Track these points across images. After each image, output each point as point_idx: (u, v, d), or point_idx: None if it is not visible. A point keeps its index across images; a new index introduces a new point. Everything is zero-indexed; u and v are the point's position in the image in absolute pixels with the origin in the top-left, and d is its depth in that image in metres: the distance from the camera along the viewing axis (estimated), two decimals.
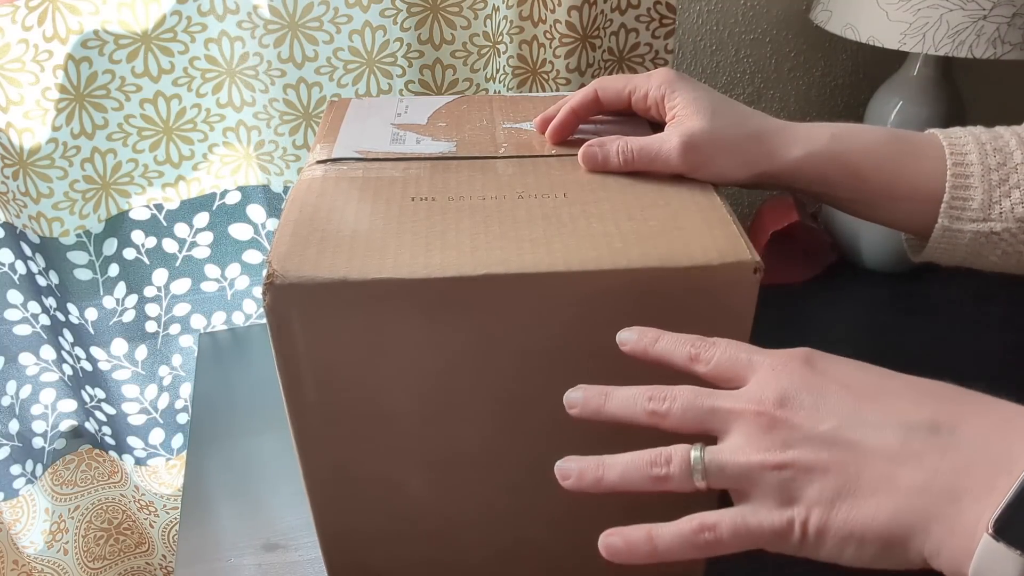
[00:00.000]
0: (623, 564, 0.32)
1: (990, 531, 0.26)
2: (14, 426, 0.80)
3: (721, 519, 0.31)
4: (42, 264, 0.73)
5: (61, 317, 0.76)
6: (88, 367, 0.78)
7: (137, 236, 0.76)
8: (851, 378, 0.31)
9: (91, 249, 0.73)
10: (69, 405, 0.84)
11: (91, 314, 0.75)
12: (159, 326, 0.81)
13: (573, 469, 0.33)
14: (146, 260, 0.78)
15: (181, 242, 0.79)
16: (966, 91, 0.81)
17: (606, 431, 0.34)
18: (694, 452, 0.31)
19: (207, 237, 0.80)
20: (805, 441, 0.30)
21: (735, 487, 0.31)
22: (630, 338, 0.35)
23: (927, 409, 0.29)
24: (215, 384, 0.74)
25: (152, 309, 0.80)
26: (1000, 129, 0.43)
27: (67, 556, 0.90)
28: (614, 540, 0.32)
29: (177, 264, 0.80)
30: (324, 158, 0.44)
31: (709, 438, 0.32)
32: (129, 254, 0.76)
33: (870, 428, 0.29)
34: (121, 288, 0.76)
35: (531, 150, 0.46)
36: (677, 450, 0.31)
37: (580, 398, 0.34)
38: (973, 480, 0.27)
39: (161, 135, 0.73)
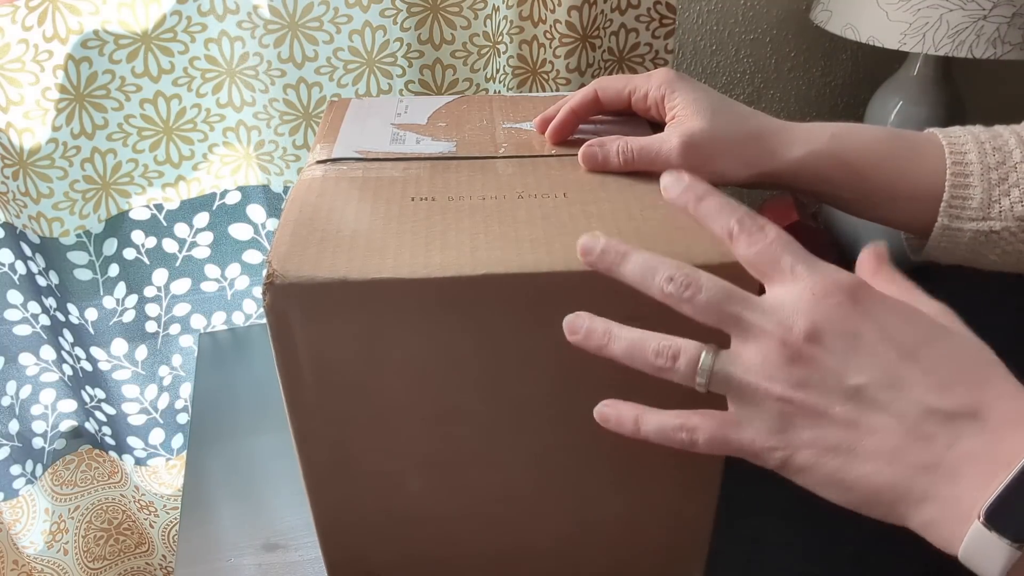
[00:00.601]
0: (613, 433, 0.33)
1: (981, 519, 0.26)
2: (14, 426, 0.80)
3: (702, 425, 0.31)
4: (42, 264, 0.73)
5: (61, 317, 0.76)
6: (88, 367, 0.78)
7: (137, 236, 0.76)
8: (893, 330, 0.29)
9: (91, 249, 0.73)
10: (69, 405, 0.84)
11: (91, 314, 0.75)
12: (159, 326, 0.81)
13: (582, 327, 0.33)
14: (146, 260, 0.78)
15: (181, 242, 0.79)
16: (966, 91, 0.81)
17: (609, 433, 0.34)
18: (705, 356, 0.31)
19: (207, 237, 0.80)
20: (825, 389, 0.29)
21: (734, 397, 0.31)
22: (673, 186, 0.33)
23: (955, 394, 0.28)
24: (215, 384, 0.74)
25: (152, 309, 0.80)
26: (999, 128, 0.43)
27: (67, 556, 0.90)
28: (608, 411, 0.34)
29: (177, 264, 0.80)
30: (324, 158, 0.44)
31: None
32: (129, 254, 0.76)
33: (894, 396, 0.29)
34: (121, 288, 0.76)
35: (531, 150, 0.46)
36: (687, 348, 0.31)
37: (611, 413, 0.34)
38: (976, 469, 0.27)
39: (161, 135, 0.73)
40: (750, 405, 0.30)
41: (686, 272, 0.31)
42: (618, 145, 0.43)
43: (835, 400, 0.29)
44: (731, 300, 0.31)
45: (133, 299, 0.78)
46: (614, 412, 0.33)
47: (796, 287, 0.30)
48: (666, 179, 0.34)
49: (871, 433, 0.29)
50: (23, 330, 0.78)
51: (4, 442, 0.79)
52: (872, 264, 0.35)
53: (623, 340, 0.32)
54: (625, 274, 0.32)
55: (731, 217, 0.32)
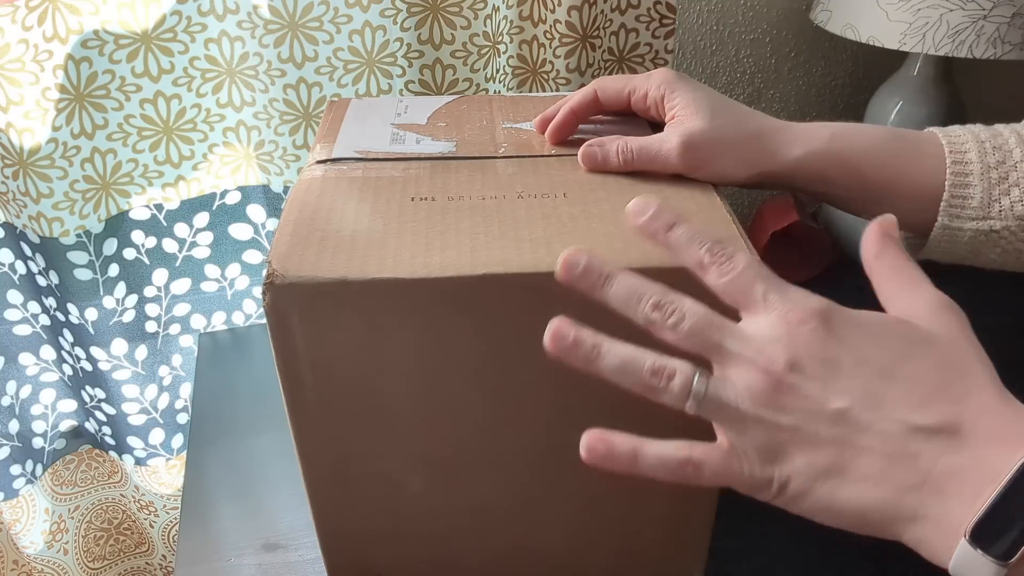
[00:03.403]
0: (602, 470, 0.31)
1: (967, 537, 0.27)
2: (14, 426, 0.80)
3: (707, 460, 0.31)
4: (42, 264, 0.73)
5: (61, 317, 0.76)
6: (88, 367, 0.78)
7: (137, 236, 0.76)
8: (868, 351, 0.30)
9: (91, 249, 0.73)
10: (69, 405, 0.84)
11: (91, 314, 0.75)
12: (159, 326, 0.81)
13: (568, 336, 0.31)
14: (146, 260, 0.78)
15: (181, 242, 0.79)
16: (966, 91, 0.81)
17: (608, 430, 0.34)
18: (698, 380, 0.30)
19: (207, 237, 0.80)
20: (810, 414, 0.29)
21: (723, 424, 0.31)
22: (642, 211, 0.32)
23: (935, 410, 0.29)
24: (215, 384, 0.74)
25: (152, 309, 0.80)
26: (999, 127, 0.43)
27: (67, 556, 0.90)
28: (597, 445, 0.31)
29: (177, 264, 0.80)
30: (324, 158, 0.44)
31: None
32: (129, 254, 0.76)
33: (877, 418, 0.29)
34: (121, 288, 0.76)
35: (531, 150, 0.46)
36: (682, 369, 0.31)
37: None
38: (963, 485, 0.28)
39: (161, 135, 0.73)
40: (741, 433, 0.30)
41: (671, 299, 0.31)
42: (617, 145, 0.43)
43: (821, 425, 0.29)
44: (713, 329, 0.31)
45: (133, 299, 0.78)
46: (603, 446, 0.31)
47: (771, 316, 0.31)
48: (634, 206, 0.33)
49: (858, 455, 0.29)
50: (23, 330, 0.78)
51: (4, 442, 0.79)
52: (876, 245, 0.34)
53: (614, 356, 0.31)
54: (608, 296, 0.32)
55: (701, 247, 0.32)
